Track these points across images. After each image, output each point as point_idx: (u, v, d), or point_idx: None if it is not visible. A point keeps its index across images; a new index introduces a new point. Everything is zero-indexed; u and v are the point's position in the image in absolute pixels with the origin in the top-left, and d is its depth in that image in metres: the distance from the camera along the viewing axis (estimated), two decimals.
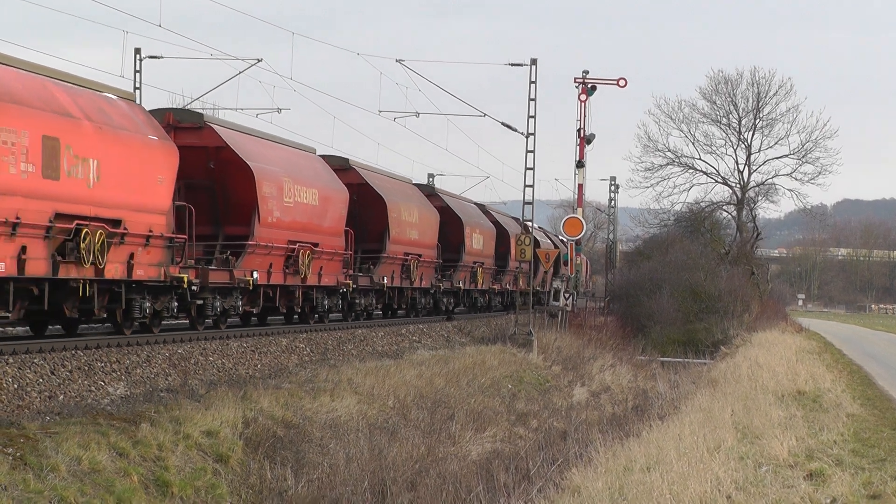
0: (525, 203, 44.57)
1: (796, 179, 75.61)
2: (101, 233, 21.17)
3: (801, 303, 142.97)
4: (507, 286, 53.83)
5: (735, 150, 75.77)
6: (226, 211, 27.61)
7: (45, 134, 19.73)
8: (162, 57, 45.95)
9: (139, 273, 22.75)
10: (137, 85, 44.77)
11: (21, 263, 19.33)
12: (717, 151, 75.97)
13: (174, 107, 27.59)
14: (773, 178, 76.27)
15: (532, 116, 44.06)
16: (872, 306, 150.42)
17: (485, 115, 47.63)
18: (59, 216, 20.18)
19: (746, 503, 13.46)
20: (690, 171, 75.55)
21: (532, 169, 44.30)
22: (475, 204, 54.25)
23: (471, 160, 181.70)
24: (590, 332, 50.13)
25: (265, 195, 27.92)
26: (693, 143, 75.56)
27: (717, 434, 18.55)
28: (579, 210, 55.89)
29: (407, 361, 30.44)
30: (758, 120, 74.99)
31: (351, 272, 34.08)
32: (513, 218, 57.41)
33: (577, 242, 54.95)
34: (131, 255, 22.47)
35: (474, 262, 47.62)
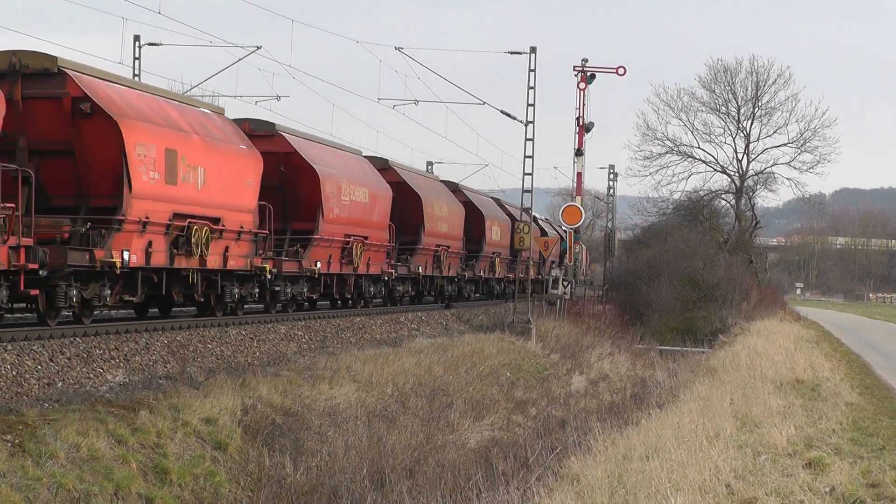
0: (524, 191, 44.55)
1: (795, 168, 75.64)
2: (206, 229, 25.04)
3: (799, 291, 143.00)
4: (521, 275, 54.95)
5: (734, 139, 75.79)
6: (293, 208, 31.44)
7: (167, 147, 23.52)
8: (161, 44, 45.91)
9: (232, 263, 26.60)
10: (137, 72, 44.67)
11: (148, 255, 23.20)
12: (716, 140, 75.97)
13: (250, 117, 31.92)
14: (771, 166, 76.28)
15: (531, 105, 44.03)
16: (870, 295, 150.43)
17: (484, 103, 47.60)
18: (176, 215, 23.96)
19: (745, 492, 13.45)
20: (689, 159, 75.52)
21: (531, 157, 44.29)
22: (492, 198, 56.54)
23: (470, 148, 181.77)
24: (588, 321, 50.15)
25: (328, 194, 31.95)
26: (692, 132, 75.54)
27: (715, 422, 18.53)
28: (578, 198, 55.87)
29: (405, 349, 30.44)
30: (756, 109, 74.97)
31: (392, 262, 38.22)
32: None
33: (576, 230, 54.95)
34: (226, 248, 26.30)
35: (493, 253, 50.97)
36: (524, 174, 44.25)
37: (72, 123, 22.14)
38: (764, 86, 74.44)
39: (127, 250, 22.23)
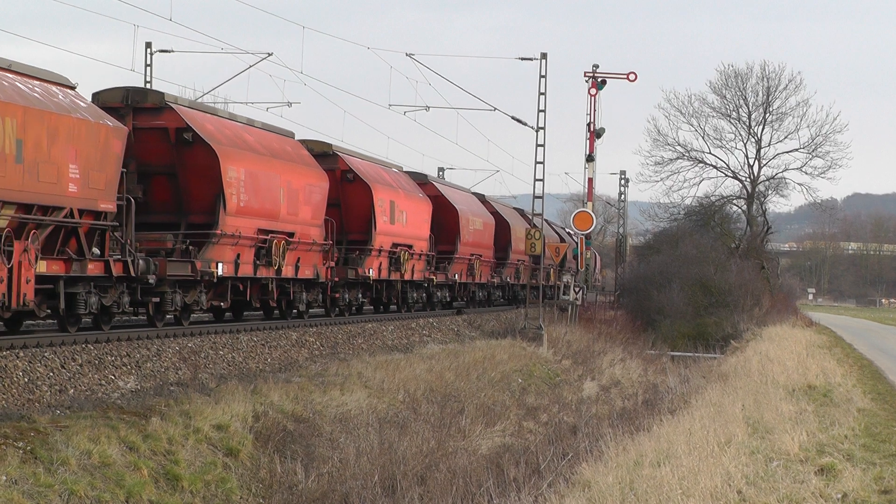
0: (535, 197, 44.55)
1: (806, 174, 75.28)
2: (406, 253, 36.93)
3: (811, 297, 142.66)
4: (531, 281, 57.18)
5: (745, 145, 75.46)
6: (438, 234, 42.19)
7: (391, 199, 35.85)
8: (173, 51, 46.06)
9: (416, 276, 38.67)
10: (148, 79, 44.76)
11: (379, 271, 35.19)
12: (727, 146, 75.65)
13: (411, 170, 42.59)
14: (783, 172, 75.94)
15: (542, 110, 44.04)
16: (883, 300, 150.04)
17: (495, 108, 47.69)
18: (394, 244, 36.10)
19: (757, 498, 13.42)
20: (700, 165, 75.20)
21: (542, 163, 44.29)
22: (515, 209, 59.11)
23: (481, 154, 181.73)
24: (600, 327, 50.08)
25: (462, 225, 44.17)
26: (703, 138, 75.23)
27: (727, 429, 18.50)
28: (589, 204, 55.86)
29: (417, 355, 30.43)
30: (768, 114, 74.64)
31: (494, 273, 50.27)
32: (547, 221, 61.31)
33: (588, 236, 54.91)
34: (413, 266, 38.09)
35: (518, 260, 55.29)
36: (535, 180, 44.26)
37: (340, 186, 33.79)
38: (775, 91, 74.20)
39: (371, 268, 34.26)
